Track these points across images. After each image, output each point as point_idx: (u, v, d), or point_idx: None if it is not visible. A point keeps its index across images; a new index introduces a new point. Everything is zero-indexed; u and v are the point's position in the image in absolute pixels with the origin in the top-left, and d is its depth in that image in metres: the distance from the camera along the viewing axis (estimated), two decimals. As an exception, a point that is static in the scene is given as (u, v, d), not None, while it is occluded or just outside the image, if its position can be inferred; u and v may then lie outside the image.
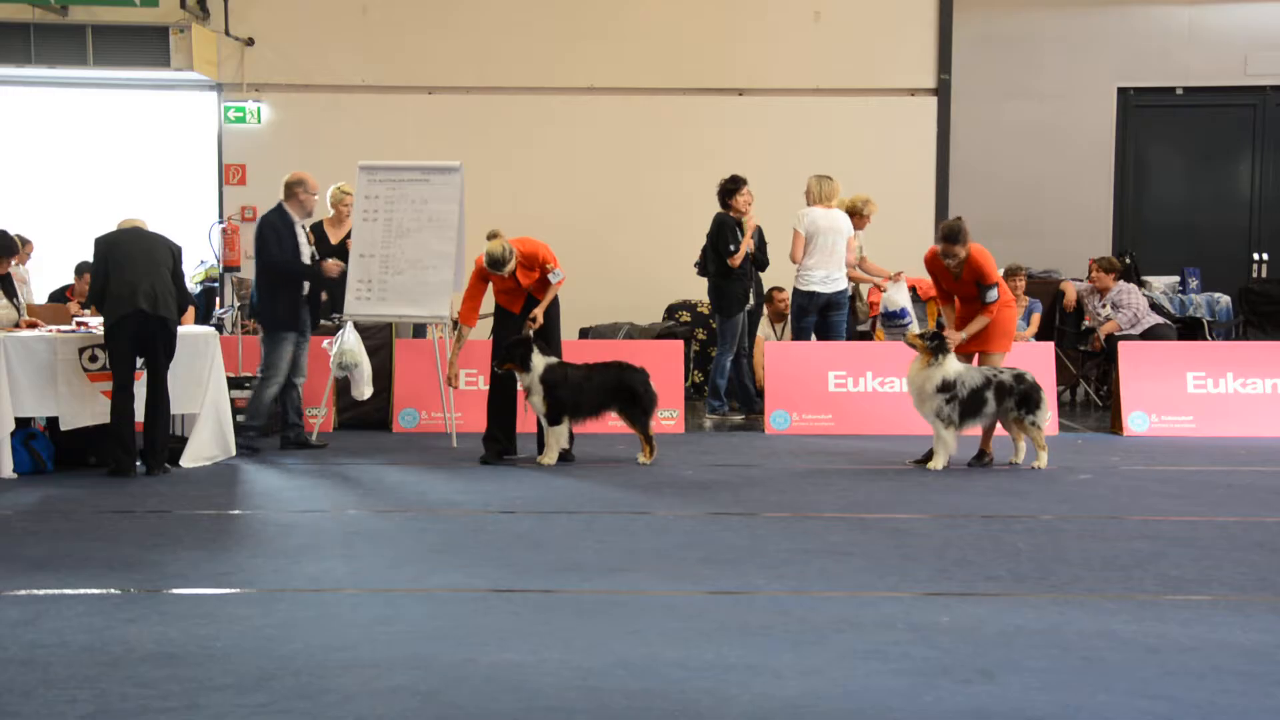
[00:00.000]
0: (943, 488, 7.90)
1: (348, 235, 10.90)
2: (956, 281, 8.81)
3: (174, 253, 8.35)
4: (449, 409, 10.12)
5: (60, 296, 11.30)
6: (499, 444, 8.85)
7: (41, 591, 5.20)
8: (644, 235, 13.87)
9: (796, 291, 11.09)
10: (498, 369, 8.70)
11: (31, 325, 8.57)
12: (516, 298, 8.86)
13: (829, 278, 10.95)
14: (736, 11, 14.30)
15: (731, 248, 10.79)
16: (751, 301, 11.24)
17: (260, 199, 14.25)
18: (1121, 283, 12.05)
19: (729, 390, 11.31)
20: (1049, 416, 8.85)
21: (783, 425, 10.53)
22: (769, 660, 4.30)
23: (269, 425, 9.49)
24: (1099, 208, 14.58)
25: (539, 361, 8.53)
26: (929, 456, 8.69)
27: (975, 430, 8.74)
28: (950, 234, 8.67)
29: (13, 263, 8.99)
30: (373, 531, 6.46)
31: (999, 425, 8.73)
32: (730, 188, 10.91)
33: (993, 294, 8.68)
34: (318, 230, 11.02)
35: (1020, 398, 8.48)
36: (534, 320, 8.74)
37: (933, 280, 9.15)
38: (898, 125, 14.25)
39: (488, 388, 9.13)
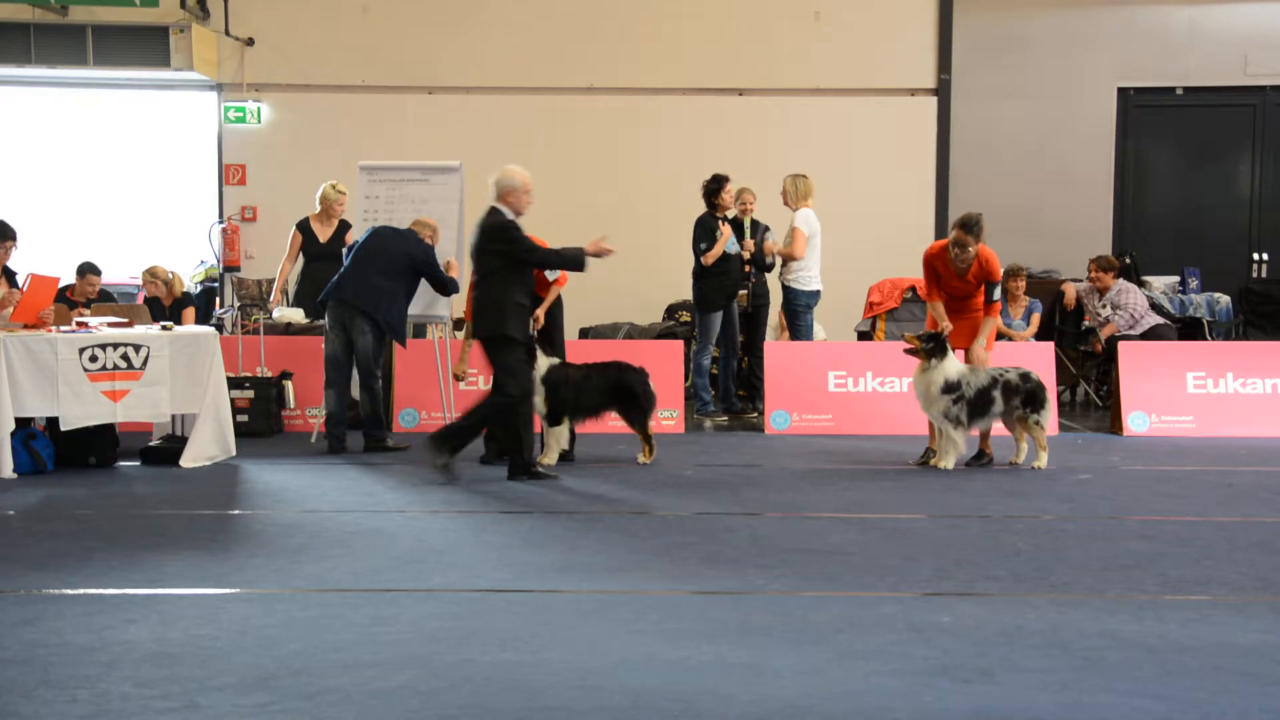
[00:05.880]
0: (943, 488, 7.89)
1: (336, 233, 10.88)
2: (959, 279, 8.73)
3: None
4: (449, 409, 10.11)
5: (60, 296, 11.27)
6: (499, 444, 8.84)
7: (41, 591, 5.21)
8: (644, 235, 13.83)
9: (800, 292, 11.15)
10: None
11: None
12: (519, 296, 8.83)
13: (818, 277, 11.22)
14: (736, 11, 14.30)
15: (703, 246, 10.92)
16: (747, 303, 11.24)
17: (260, 199, 14.28)
18: (1121, 281, 12.02)
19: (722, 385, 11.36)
20: (1050, 416, 8.84)
21: (783, 425, 10.53)
22: (769, 660, 4.30)
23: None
24: (1099, 207, 14.58)
25: (542, 362, 8.53)
26: (928, 456, 8.69)
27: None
28: (967, 224, 8.65)
29: (12, 248, 8.97)
30: (373, 531, 6.45)
31: (999, 424, 8.73)
32: (713, 187, 11.03)
33: (997, 293, 8.80)
34: (304, 228, 10.97)
35: (1026, 396, 8.49)
36: (535, 320, 8.74)
37: (926, 277, 8.92)
38: (898, 125, 14.24)
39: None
